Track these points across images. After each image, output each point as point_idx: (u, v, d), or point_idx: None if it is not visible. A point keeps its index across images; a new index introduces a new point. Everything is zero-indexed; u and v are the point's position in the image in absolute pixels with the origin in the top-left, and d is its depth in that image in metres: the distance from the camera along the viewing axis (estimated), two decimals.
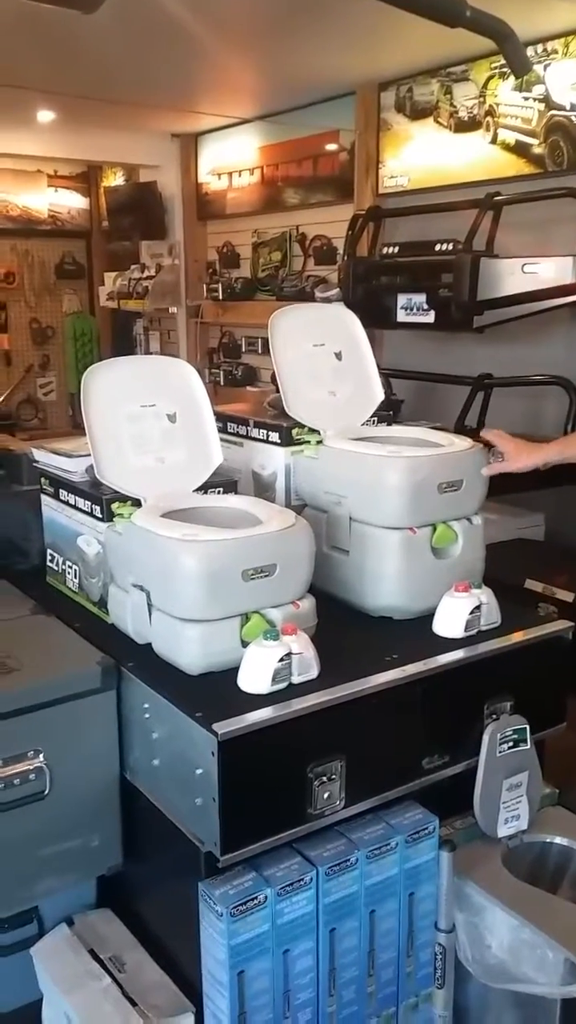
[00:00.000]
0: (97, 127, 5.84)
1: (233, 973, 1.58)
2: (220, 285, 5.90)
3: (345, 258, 4.46)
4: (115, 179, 7.16)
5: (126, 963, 1.80)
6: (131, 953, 1.83)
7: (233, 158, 5.89)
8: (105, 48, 4.07)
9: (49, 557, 2.22)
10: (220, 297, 5.94)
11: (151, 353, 6.67)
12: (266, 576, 1.71)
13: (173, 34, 3.84)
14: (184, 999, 1.72)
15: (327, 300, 4.90)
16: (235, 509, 1.90)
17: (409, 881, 1.76)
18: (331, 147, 5.18)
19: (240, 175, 5.86)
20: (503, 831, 1.87)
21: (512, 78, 4.10)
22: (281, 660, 1.64)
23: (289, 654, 1.65)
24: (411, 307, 3.94)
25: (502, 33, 2.93)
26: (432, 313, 3.85)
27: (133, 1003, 1.71)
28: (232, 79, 4.89)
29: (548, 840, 1.92)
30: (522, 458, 2.09)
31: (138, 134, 6.15)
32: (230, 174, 5.96)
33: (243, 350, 5.99)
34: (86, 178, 7.39)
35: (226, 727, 1.53)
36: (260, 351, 5.78)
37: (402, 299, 3.97)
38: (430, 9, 2.78)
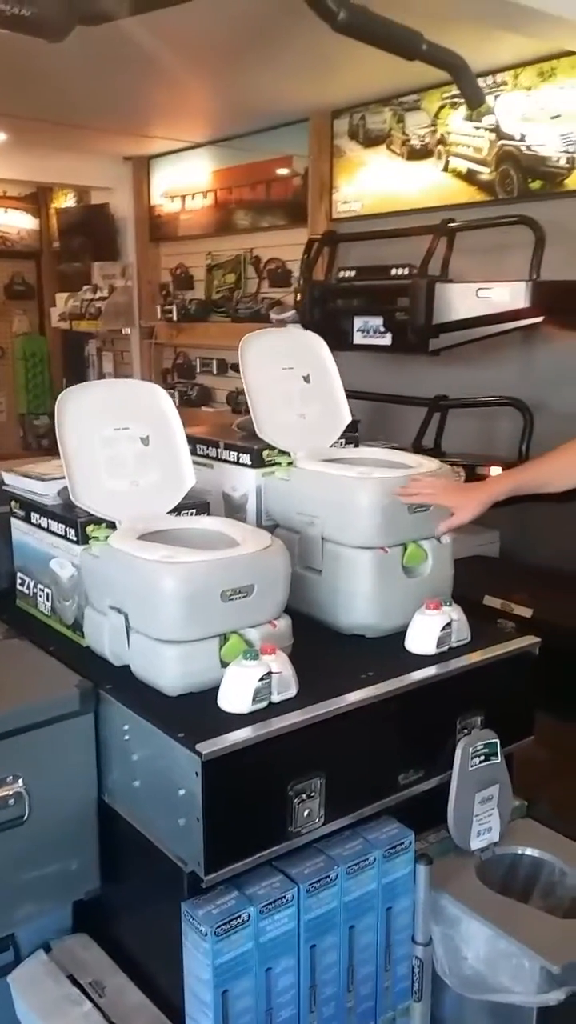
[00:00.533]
0: (48, 149, 5.84)
1: (217, 993, 1.59)
2: (175, 306, 5.93)
3: (301, 281, 4.52)
4: (66, 200, 7.17)
5: (106, 987, 1.80)
6: (111, 977, 1.83)
7: (186, 181, 5.95)
8: (58, 71, 4.08)
9: (19, 580, 2.22)
10: (175, 318, 5.97)
11: (105, 374, 6.68)
12: (244, 597, 1.73)
13: (127, 58, 3.87)
14: (167, 1021, 1.72)
15: (282, 322, 4.96)
16: (210, 531, 1.93)
17: (386, 895, 1.78)
18: (285, 172, 5.26)
19: (193, 198, 5.92)
20: (476, 844, 1.91)
21: (463, 108, 4.23)
22: (261, 679, 1.66)
23: (269, 673, 1.67)
24: (368, 330, 4.01)
25: (456, 66, 3.03)
26: (389, 336, 3.93)
27: None
28: (186, 104, 4.94)
29: (519, 852, 1.97)
30: (469, 507, 2.00)
31: (90, 156, 6.17)
32: (183, 197, 6.01)
33: (198, 371, 6.02)
34: (35, 199, 7.38)
35: (209, 747, 1.55)
36: (215, 372, 5.82)
37: (359, 322, 4.04)
38: (388, 41, 2.86)
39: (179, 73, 4.20)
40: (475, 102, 3.22)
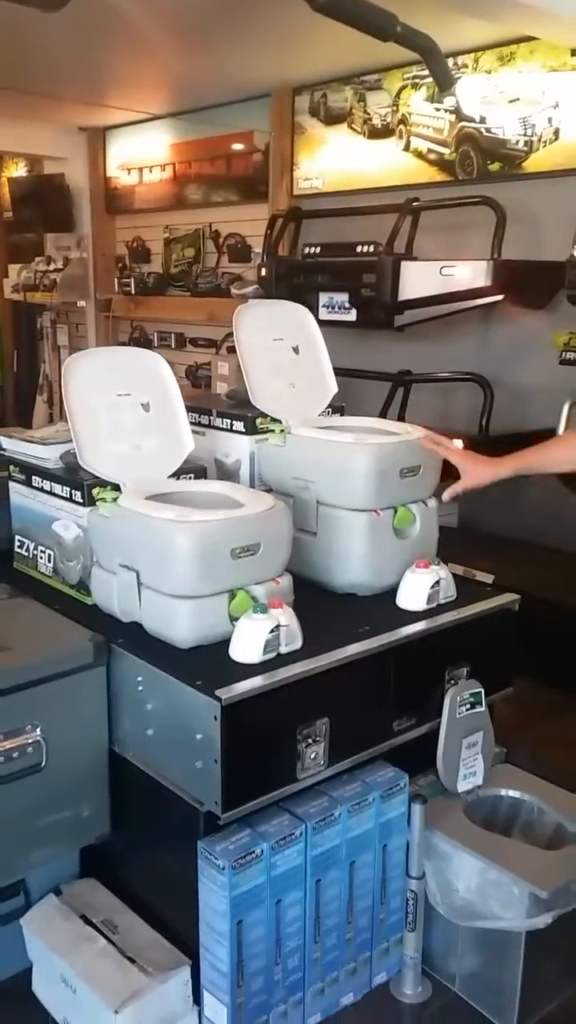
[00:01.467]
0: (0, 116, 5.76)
1: (233, 923, 1.69)
2: (132, 280, 5.93)
3: (265, 257, 4.58)
4: (16, 170, 7.07)
5: (118, 925, 1.89)
6: (121, 916, 1.92)
7: (143, 153, 5.94)
8: (10, 35, 4.04)
9: (18, 543, 2.27)
10: (132, 292, 5.97)
11: (59, 347, 6.64)
12: (251, 555, 1.83)
13: (85, 24, 3.85)
14: (179, 954, 1.82)
15: (243, 297, 5.03)
16: (214, 493, 2.01)
17: (383, 834, 1.91)
18: (245, 147, 5.30)
19: (151, 171, 5.91)
20: (462, 786, 2.05)
21: (424, 89, 4.33)
22: (271, 632, 1.76)
23: (278, 626, 1.77)
24: (333, 305, 4.11)
25: (429, 48, 3.14)
26: (354, 312, 4.03)
27: (132, 960, 1.80)
28: (145, 74, 4.93)
29: (501, 793, 2.11)
30: (478, 474, 2.10)
31: (44, 125, 6.10)
32: (140, 169, 6.00)
33: (155, 345, 6.03)
34: None
35: (227, 693, 1.64)
36: (173, 346, 5.84)
37: (324, 298, 4.13)
38: (364, 22, 2.95)
39: (139, 42, 4.19)
40: (445, 84, 3.34)
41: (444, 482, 2.19)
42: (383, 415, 3.99)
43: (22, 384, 7.15)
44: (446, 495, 2.14)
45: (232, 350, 5.29)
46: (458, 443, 3.61)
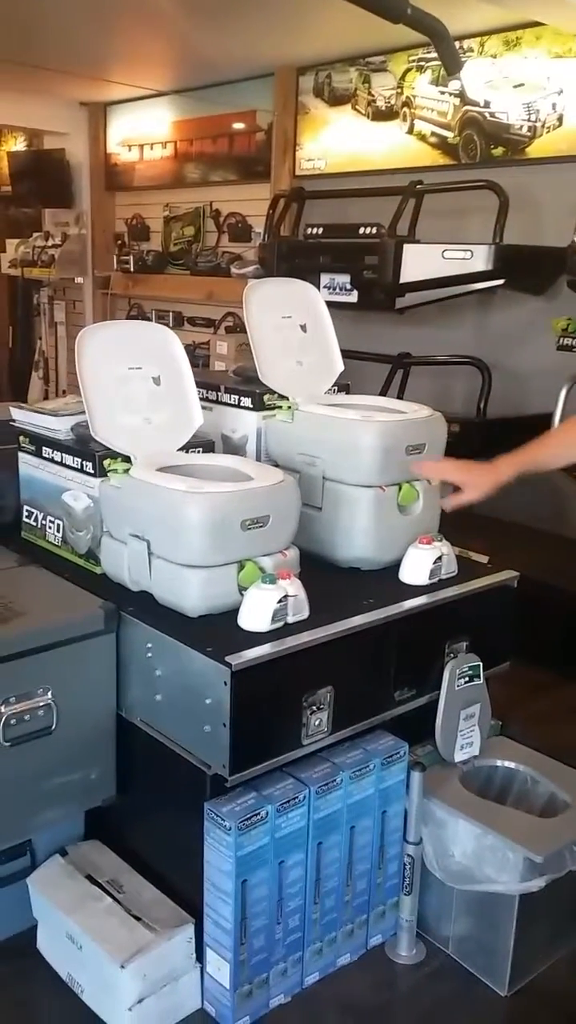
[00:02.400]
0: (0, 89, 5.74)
1: (238, 882, 1.75)
2: (131, 257, 5.94)
3: (267, 237, 4.60)
4: (16, 144, 7.04)
5: (123, 885, 1.94)
6: (126, 876, 1.97)
7: (145, 130, 5.93)
8: (12, 7, 4.04)
9: (26, 513, 2.31)
10: (131, 269, 5.97)
11: (56, 323, 6.64)
12: (260, 527, 1.87)
13: None
14: (184, 912, 1.87)
15: (243, 276, 5.05)
16: (223, 466, 2.05)
17: (382, 800, 1.97)
18: (247, 126, 5.30)
19: (152, 148, 5.91)
20: (459, 756, 2.10)
21: (429, 71, 4.35)
22: (279, 602, 1.81)
23: (286, 596, 1.82)
24: (334, 287, 4.13)
25: (439, 32, 3.16)
26: (355, 293, 4.06)
27: (137, 918, 1.85)
28: (149, 50, 4.93)
29: (496, 764, 2.17)
30: (480, 484, 2.06)
31: (45, 99, 6.08)
32: (141, 146, 6.00)
33: (153, 322, 6.05)
34: None
35: (237, 659, 1.69)
36: (171, 324, 5.85)
37: (325, 279, 4.16)
38: (376, 3, 2.96)
39: (144, 17, 4.19)
40: (453, 68, 3.36)
41: (447, 487, 2.18)
42: (383, 396, 4.02)
43: (18, 360, 7.15)
44: (448, 507, 2.12)
45: (230, 330, 5.34)
46: (454, 427, 3.70)
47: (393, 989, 1.98)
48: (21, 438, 2.27)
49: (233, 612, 1.84)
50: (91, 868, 1.99)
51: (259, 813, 1.75)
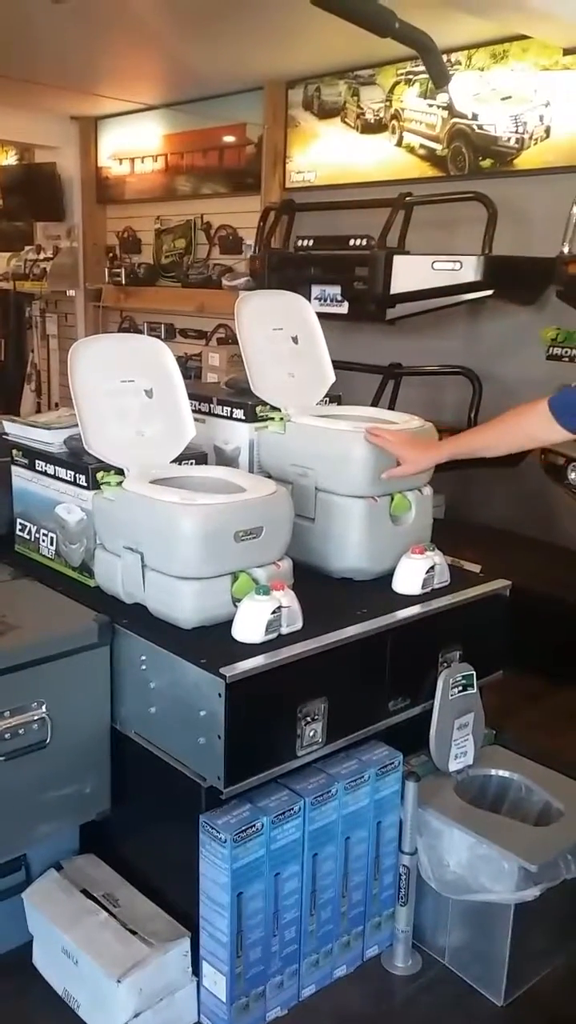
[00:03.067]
0: None
1: (233, 894, 1.75)
2: (123, 270, 5.95)
3: (257, 249, 4.62)
4: (7, 158, 7.06)
5: (119, 899, 1.94)
6: (121, 890, 1.97)
7: (135, 144, 5.95)
8: (4, 23, 4.06)
9: (20, 526, 2.31)
10: (123, 282, 5.99)
11: (48, 336, 6.65)
12: (254, 538, 1.87)
13: (79, 14, 3.87)
14: (179, 926, 1.87)
15: (234, 288, 5.07)
16: (216, 478, 2.06)
17: (377, 810, 1.97)
18: (237, 139, 5.33)
19: (143, 161, 5.93)
20: (453, 765, 2.11)
21: (418, 85, 4.38)
22: (273, 612, 1.81)
23: (279, 607, 1.82)
24: (325, 298, 4.15)
25: (426, 45, 3.19)
26: (346, 304, 4.08)
27: (132, 932, 1.84)
28: (139, 65, 4.95)
29: (490, 773, 2.17)
30: (416, 459, 2.10)
31: (35, 113, 6.10)
32: (132, 160, 6.02)
33: (145, 335, 6.06)
34: None
35: (232, 671, 1.69)
36: (163, 336, 5.86)
37: (316, 290, 4.18)
38: (364, 18, 2.99)
39: (134, 32, 4.22)
40: (441, 82, 3.39)
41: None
42: (374, 406, 4.04)
43: (10, 373, 7.14)
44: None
45: (222, 341, 5.35)
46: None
47: (390, 1000, 1.98)
48: (14, 451, 2.27)
49: (227, 624, 1.85)
50: (86, 882, 1.99)
51: (254, 825, 1.75)
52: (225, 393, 2.45)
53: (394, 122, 4.53)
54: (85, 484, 2.04)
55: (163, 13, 3.94)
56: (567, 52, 3.80)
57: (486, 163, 4.18)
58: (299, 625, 1.87)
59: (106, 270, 6.17)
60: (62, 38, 4.35)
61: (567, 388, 2.04)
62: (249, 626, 1.81)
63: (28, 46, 4.52)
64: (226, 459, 2.37)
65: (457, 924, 2.01)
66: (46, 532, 2.21)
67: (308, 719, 1.83)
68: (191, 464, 2.17)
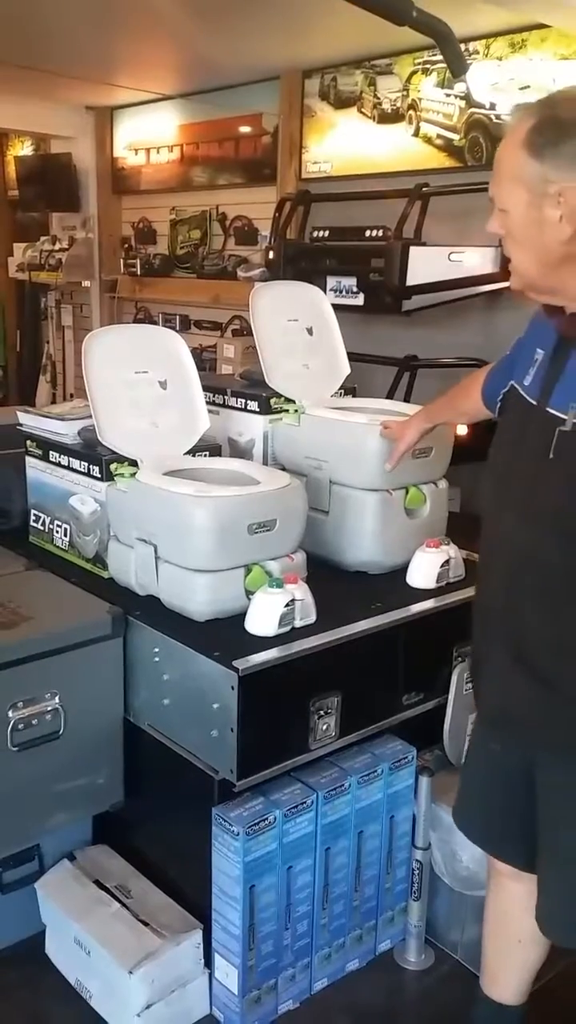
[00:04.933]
0: (7, 94, 5.75)
1: (246, 887, 1.74)
2: (138, 260, 5.94)
3: (273, 240, 4.60)
4: (23, 148, 7.06)
5: (131, 890, 1.94)
6: (134, 881, 1.97)
7: (151, 134, 5.93)
8: (20, 12, 4.05)
9: (34, 517, 2.31)
10: (138, 273, 5.98)
11: (63, 327, 6.66)
12: (267, 530, 1.87)
13: (95, 3, 3.86)
14: (191, 918, 1.87)
15: (249, 279, 5.04)
16: (230, 470, 2.05)
17: (390, 805, 1.96)
18: (253, 130, 5.30)
19: (159, 152, 5.91)
20: None
21: (435, 74, 4.34)
22: (287, 606, 1.80)
23: (293, 600, 1.81)
24: (341, 289, 4.13)
25: (443, 34, 3.16)
26: (362, 296, 4.05)
27: (145, 924, 1.85)
28: (154, 55, 4.93)
29: None
30: (404, 435, 2.03)
31: (51, 104, 6.09)
32: (148, 150, 6.00)
33: (160, 326, 6.05)
34: None
35: (244, 663, 1.69)
36: (177, 327, 5.84)
37: (331, 281, 4.15)
38: (381, 7, 2.96)
39: (150, 22, 4.20)
40: (458, 70, 3.36)
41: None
42: (390, 398, 4.02)
43: (25, 364, 7.16)
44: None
45: (237, 332, 5.34)
46: (463, 428, 3.70)
47: (402, 995, 1.98)
48: (28, 442, 2.27)
49: (240, 616, 1.84)
50: (99, 873, 1.99)
51: (267, 818, 1.75)
52: (239, 385, 2.44)
53: (411, 112, 4.49)
54: (99, 475, 2.04)
55: (179, 3, 3.91)
56: None
57: None
58: (313, 618, 1.86)
59: (121, 261, 6.16)
60: (78, 28, 4.33)
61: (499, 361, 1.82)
62: (262, 619, 1.80)
63: (44, 36, 4.50)
64: (240, 451, 2.36)
65: (470, 919, 2.00)
66: (60, 523, 2.21)
67: (321, 713, 1.82)
68: (205, 456, 2.16)
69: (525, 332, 1.62)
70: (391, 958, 2.04)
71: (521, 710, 1.49)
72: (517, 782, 1.57)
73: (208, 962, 1.86)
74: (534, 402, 1.45)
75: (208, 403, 2.36)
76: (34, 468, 2.27)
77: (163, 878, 1.97)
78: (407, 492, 2.16)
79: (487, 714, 1.62)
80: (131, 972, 1.75)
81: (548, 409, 1.42)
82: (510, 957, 1.76)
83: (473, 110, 4.22)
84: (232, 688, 1.67)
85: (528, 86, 4.03)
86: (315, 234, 4.35)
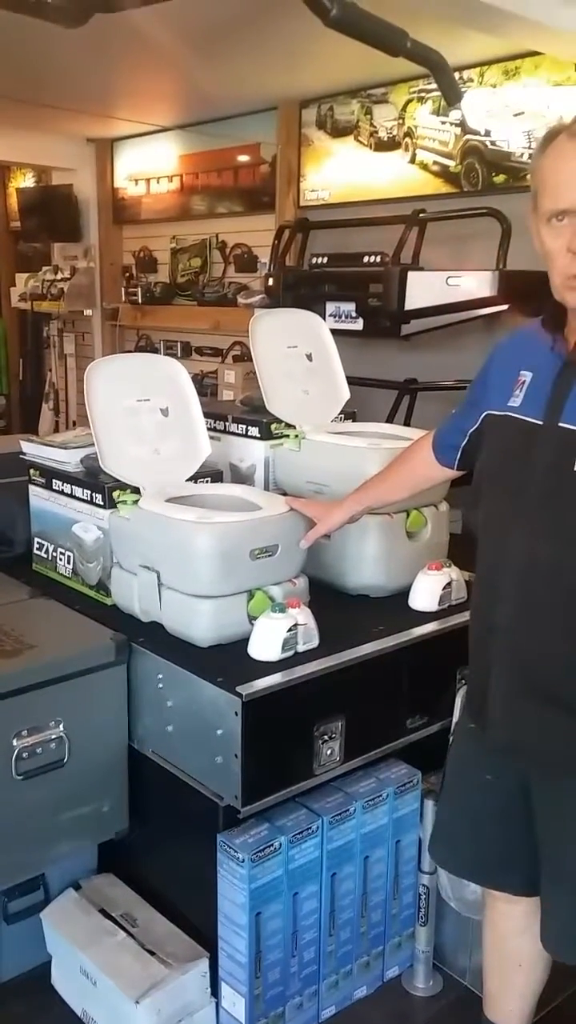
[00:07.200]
0: (9, 127, 5.83)
1: (252, 915, 1.74)
2: (139, 289, 6.00)
3: (273, 267, 4.64)
4: (24, 180, 7.15)
5: (137, 919, 1.94)
6: (140, 910, 1.96)
7: (151, 165, 6.00)
8: (21, 48, 4.11)
9: (37, 545, 2.32)
10: (139, 301, 6.03)
11: (66, 355, 6.70)
12: (270, 556, 1.88)
13: (94, 38, 3.90)
14: (198, 946, 1.86)
15: (249, 306, 5.08)
16: (231, 496, 2.06)
17: (396, 829, 1.96)
18: (252, 159, 5.36)
19: (159, 182, 5.98)
20: None
21: (430, 102, 4.40)
22: (289, 630, 1.81)
23: (295, 625, 1.82)
24: (340, 315, 4.16)
25: (437, 64, 3.19)
26: (361, 321, 4.08)
27: (151, 953, 1.84)
28: (152, 87, 5.00)
29: None
30: (329, 518, 1.93)
31: (52, 136, 6.17)
32: (148, 180, 6.07)
33: (161, 354, 6.09)
34: None
35: (248, 689, 1.69)
36: (179, 355, 5.89)
37: (331, 307, 4.18)
38: (375, 38, 3.00)
39: (148, 56, 4.26)
40: (453, 99, 3.39)
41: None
42: (390, 422, 4.04)
43: (28, 392, 7.21)
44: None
45: (238, 358, 5.37)
46: None
47: (410, 1022, 1.96)
48: (31, 471, 2.28)
49: (243, 642, 1.85)
50: (104, 902, 1.98)
51: (272, 844, 1.75)
52: (240, 411, 2.46)
53: (407, 139, 4.54)
54: (101, 503, 2.05)
55: (177, 37, 3.97)
56: None
57: (499, 179, 4.18)
58: (316, 643, 1.86)
59: (122, 289, 6.21)
60: (78, 62, 4.40)
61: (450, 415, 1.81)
62: (265, 644, 1.80)
63: (44, 71, 4.57)
64: (242, 477, 2.37)
65: (477, 944, 1.98)
66: (63, 551, 2.22)
67: (325, 737, 1.82)
68: (207, 482, 2.17)
69: (490, 362, 1.64)
70: (399, 984, 2.03)
71: (536, 735, 1.47)
72: (513, 808, 1.56)
73: (215, 991, 1.85)
74: (539, 421, 1.45)
75: (209, 430, 2.38)
76: (37, 496, 2.28)
77: (168, 906, 1.96)
78: (408, 515, 2.17)
79: (496, 743, 1.55)
80: (137, 1002, 1.74)
81: (562, 424, 1.41)
82: (512, 981, 1.75)
83: (468, 137, 4.27)
84: (236, 714, 1.68)
85: (522, 112, 4.08)
86: (314, 260, 4.39)
